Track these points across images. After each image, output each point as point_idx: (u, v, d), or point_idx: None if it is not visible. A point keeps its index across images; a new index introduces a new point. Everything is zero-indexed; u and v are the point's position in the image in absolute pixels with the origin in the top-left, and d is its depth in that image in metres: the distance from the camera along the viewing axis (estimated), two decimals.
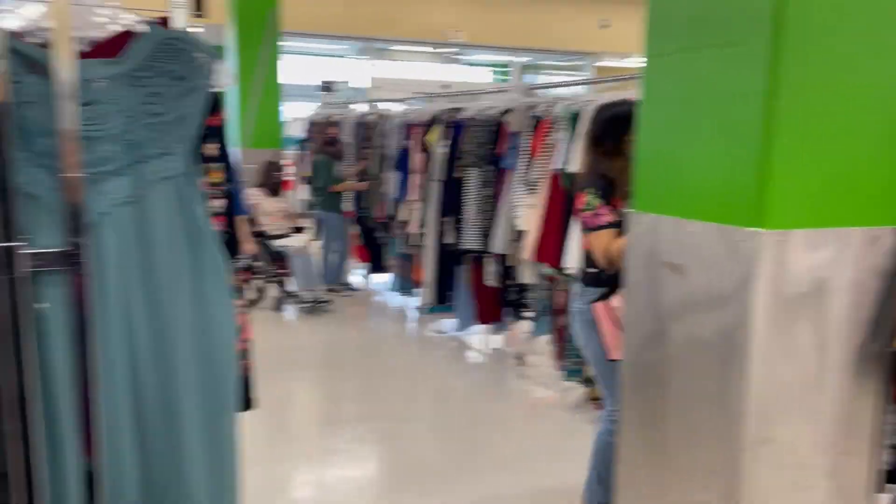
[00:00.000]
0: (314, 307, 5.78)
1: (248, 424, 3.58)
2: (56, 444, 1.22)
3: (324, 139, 6.16)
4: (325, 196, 6.18)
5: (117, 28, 1.24)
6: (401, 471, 3.20)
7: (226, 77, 1.33)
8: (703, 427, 2.01)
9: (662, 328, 2.18)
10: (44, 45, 1.11)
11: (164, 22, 1.33)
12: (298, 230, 6.16)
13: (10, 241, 1.06)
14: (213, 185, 1.43)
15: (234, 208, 1.48)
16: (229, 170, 1.49)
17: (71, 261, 1.15)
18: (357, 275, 6.97)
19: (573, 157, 3.59)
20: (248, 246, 5.77)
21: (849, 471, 2.02)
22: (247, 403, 1.69)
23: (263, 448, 3.41)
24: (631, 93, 3.60)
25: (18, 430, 1.08)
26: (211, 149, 1.41)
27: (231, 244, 1.45)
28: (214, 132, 1.42)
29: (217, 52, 1.31)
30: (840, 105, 1.83)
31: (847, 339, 1.95)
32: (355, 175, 6.20)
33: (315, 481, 3.10)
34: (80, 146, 1.12)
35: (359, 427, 3.65)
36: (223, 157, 1.45)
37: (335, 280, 6.44)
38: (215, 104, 1.39)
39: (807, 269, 1.86)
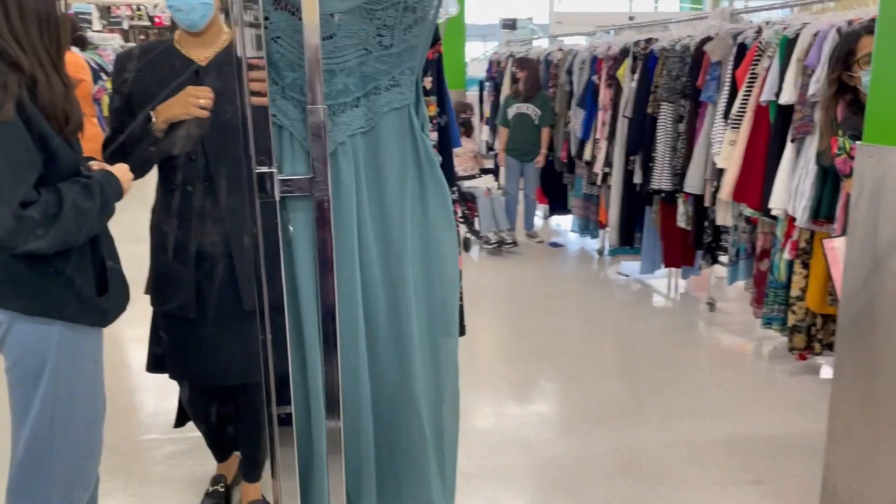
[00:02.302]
0: (498, 248, 5.84)
1: None
2: (303, 350, 1.36)
3: (524, 77, 5.87)
4: (520, 144, 5.95)
5: None
6: (586, 409, 3.21)
7: (452, 7, 1.34)
8: None
9: (893, 272, 1.98)
10: None
11: None
12: (486, 171, 6.18)
13: (267, 167, 1.17)
14: (429, 118, 1.47)
15: (446, 140, 1.52)
16: (442, 103, 1.52)
17: (315, 187, 1.24)
18: (538, 217, 6.95)
19: (785, 87, 3.28)
20: None
21: None
22: (460, 329, 1.77)
23: None
24: (857, 13, 3.21)
25: (270, 339, 1.22)
26: (426, 81, 1.45)
27: (445, 175, 1.49)
28: (430, 65, 1.45)
29: None
30: None
31: None
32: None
33: (500, 413, 3.20)
34: (322, 79, 1.19)
35: (542, 363, 3.69)
36: (438, 90, 1.49)
37: (526, 225, 6.38)
38: (434, 37, 1.41)
39: None
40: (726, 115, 3.74)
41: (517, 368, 3.65)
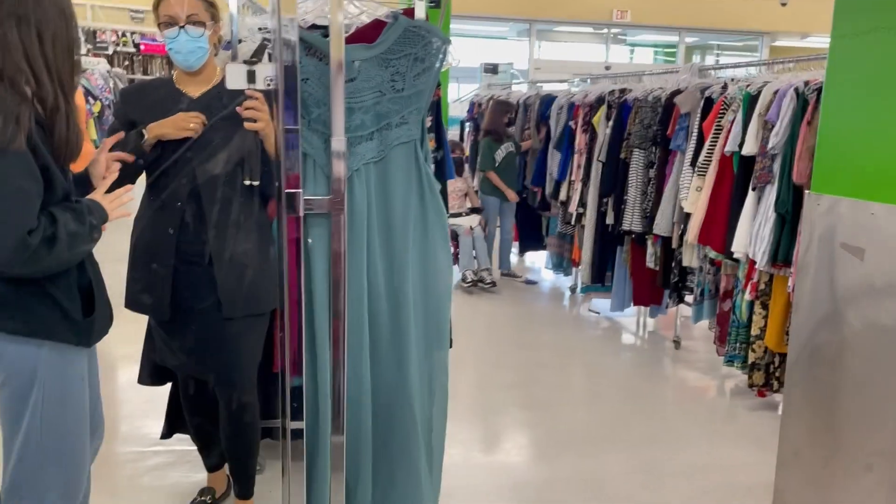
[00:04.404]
0: (474, 286, 5.91)
1: None
2: (315, 347, 1.52)
3: (506, 120, 6.11)
4: (509, 183, 6.11)
5: (372, 18, 1.50)
6: (555, 436, 3.37)
7: (452, 59, 1.55)
8: (876, 410, 2.01)
9: (837, 310, 2.18)
10: (318, 31, 1.38)
11: (409, 12, 1.58)
12: (475, 210, 6.26)
13: (295, 188, 1.35)
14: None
15: (444, 172, 1.72)
16: (440, 139, 1.72)
17: (333, 206, 1.42)
18: (512, 253, 7.14)
19: (748, 139, 3.55)
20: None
21: None
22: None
23: None
24: (812, 74, 3.50)
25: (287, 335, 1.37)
26: (427, 120, 1.64)
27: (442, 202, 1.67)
28: (431, 106, 1.65)
29: (448, 38, 1.53)
30: None
31: None
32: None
33: (474, 438, 3.34)
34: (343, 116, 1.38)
35: (514, 393, 3.85)
36: (437, 128, 1.69)
37: (501, 263, 6.47)
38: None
39: None
40: (693, 163, 4.00)
41: (491, 397, 3.80)
